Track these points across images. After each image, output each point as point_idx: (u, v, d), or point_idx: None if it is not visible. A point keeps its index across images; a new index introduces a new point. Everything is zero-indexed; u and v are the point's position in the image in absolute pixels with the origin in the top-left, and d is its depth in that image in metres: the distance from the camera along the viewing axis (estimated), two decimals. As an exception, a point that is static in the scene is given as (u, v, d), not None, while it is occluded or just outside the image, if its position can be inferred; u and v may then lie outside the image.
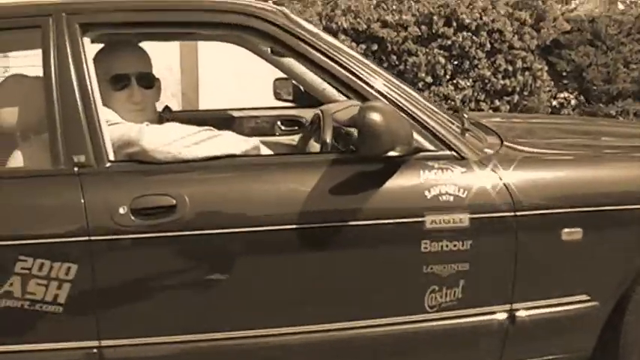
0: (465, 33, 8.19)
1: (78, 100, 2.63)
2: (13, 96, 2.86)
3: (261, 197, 2.64)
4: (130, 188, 2.60)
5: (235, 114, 4.36)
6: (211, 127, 2.77)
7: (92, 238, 2.54)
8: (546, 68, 8.75)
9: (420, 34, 8.14)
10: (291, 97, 4.59)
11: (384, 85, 2.78)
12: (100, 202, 2.57)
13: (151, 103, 3.06)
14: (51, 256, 2.52)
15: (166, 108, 4.42)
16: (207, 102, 8.76)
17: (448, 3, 8.21)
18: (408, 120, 2.70)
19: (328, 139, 2.96)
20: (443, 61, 8.13)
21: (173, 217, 2.57)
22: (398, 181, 2.68)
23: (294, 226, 2.61)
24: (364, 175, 2.69)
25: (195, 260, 2.64)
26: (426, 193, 2.67)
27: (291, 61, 4.12)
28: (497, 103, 8.37)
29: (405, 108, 2.75)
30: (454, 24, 8.19)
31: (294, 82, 4.43)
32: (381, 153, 2.55)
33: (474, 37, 8.22)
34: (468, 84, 8.30)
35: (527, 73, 8.49)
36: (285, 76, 4.38)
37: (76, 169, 2.60)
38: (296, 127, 4.39)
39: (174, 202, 2.57)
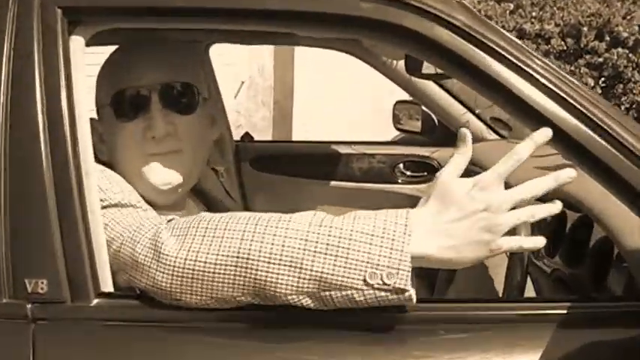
0: (619, 49, 7.27)
1: (44, 159, 1.30)
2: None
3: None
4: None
5: (342, 149, 3.26)
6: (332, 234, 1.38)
7: None
8: None
9: (564, 48, 7.29)
10: (417, 129, 3.46)
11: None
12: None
13: (194, 143, 1.68)
14: None
15: (246, 135, 3.29)
16: (303, 114, 7.66)
17: (600, 12, 7.34)
18: None
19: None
20: (591, 82, 7.17)
21: None
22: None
23: None
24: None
25: None
26: None
27: (424, 81, 3.08)
28: (653, 136, 7.10)
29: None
30: (607, 38, 7.31)
31: (424, 108, 3.33)
32: None
33: (630, 55, 7.28)
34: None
35: (692, 102, 7.52)
36: (410, 98, 3.39)
37: (29, 306, 1.28)
38: (425, 173, 3.25)
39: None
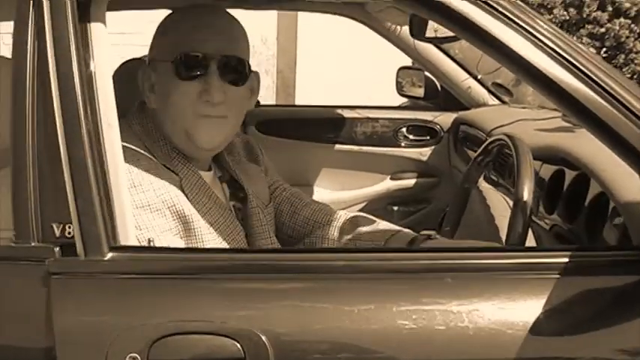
0: (621, 20, 7.15)
1: (81, 107, 1.35)
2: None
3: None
4: (150, 312, 1.32)
5: (346, 114, 3.29)
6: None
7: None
8: None
9: (566, 18, 7.14)
10: (420, 94, 3.48)
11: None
12: (85, 336, 1.30)
13: (237, 111, 1.80)
14: None
15: (252, 100, 3.34)
16: (307, 84, 7.62)
17: (603, -18, 7.22)
18: None
19: (526, 195, 1.63)
20: (592, 52, 6.79)
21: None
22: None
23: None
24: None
25: None
26: None
27: (428, 46, 3.12)
28: (654, 107, 7.05)
29: None
30: (609, 8, 7.19)
31: (427, 74, 3.36)
32: None
33: (632, 26, 7.17)
34: (621, 82, 7.00)
35: (694, 73, 7.35)
36: (414, 64, 3.51)
37: (57, 249, 1.33)
38: (427, 137, 3.32)
39: (239, 349, 1.28)
